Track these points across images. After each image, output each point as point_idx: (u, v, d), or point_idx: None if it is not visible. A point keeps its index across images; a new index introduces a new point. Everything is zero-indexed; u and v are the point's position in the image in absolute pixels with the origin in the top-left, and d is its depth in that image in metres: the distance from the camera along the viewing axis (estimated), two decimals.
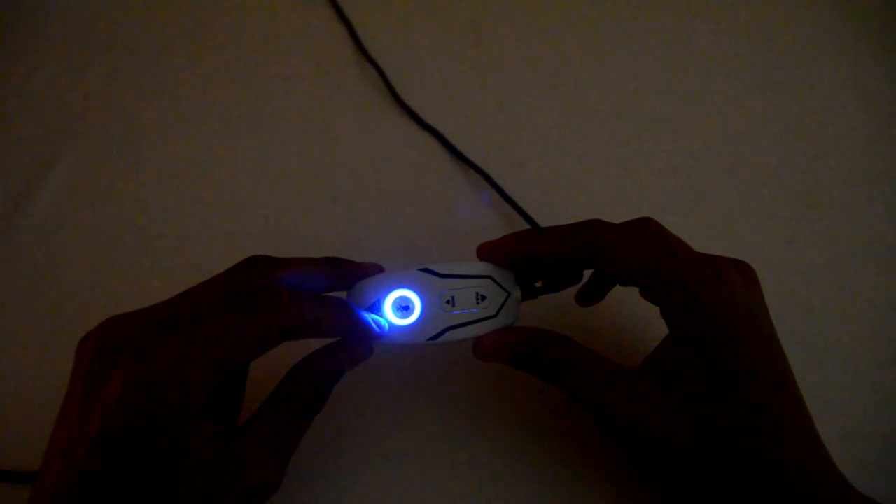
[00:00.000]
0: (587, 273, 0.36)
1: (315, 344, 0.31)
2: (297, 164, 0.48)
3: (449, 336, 0.31)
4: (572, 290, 0.37)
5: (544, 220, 0.43)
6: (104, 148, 0.49)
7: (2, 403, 0.39)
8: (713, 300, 0.28)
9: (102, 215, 0.46)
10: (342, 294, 0.33)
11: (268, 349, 0.28)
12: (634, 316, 0.40)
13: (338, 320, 0.30)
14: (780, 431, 0.27)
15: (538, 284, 0.35)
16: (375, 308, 0.32)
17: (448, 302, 0.32)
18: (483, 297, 0.32)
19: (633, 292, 0.31)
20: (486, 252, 0.33)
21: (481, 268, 0.33)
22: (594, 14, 0.55)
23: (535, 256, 0.32)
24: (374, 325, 0.31)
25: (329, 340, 0.32)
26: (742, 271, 0.31)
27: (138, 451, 0.25)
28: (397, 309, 0.32)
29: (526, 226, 0.44)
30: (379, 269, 0.34)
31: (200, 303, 0.28)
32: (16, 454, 0.37)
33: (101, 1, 0.57)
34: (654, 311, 0.31)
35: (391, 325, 0.32)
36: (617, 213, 0.34)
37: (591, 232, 0.32)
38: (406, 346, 0.32)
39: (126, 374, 0.25)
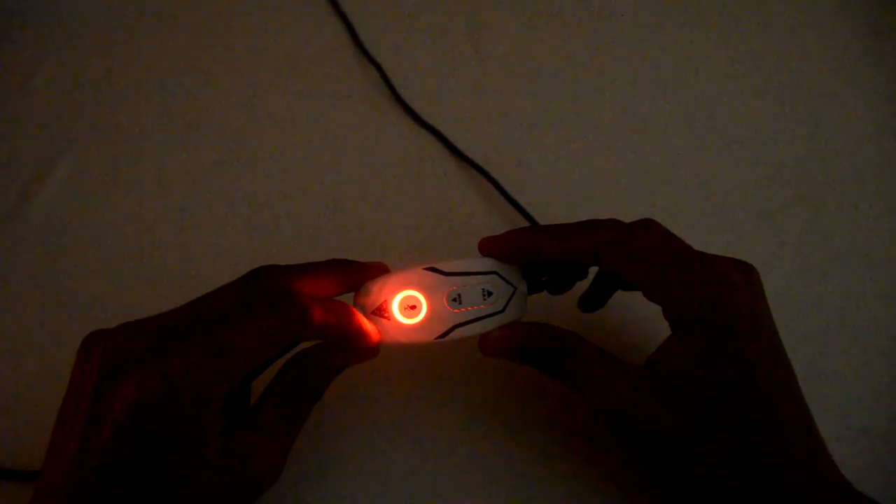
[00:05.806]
0: (592, 270, 0.36)
1: None
2: (298, 164, 0.48)
3: (457, 333, 0.32)
4: (575, 293, 0.37)
5: (543, 220, 0.44)
6: (104, 148, 0.49)
7: (1, 402, 0.39)
8: (715, 302, 0.29)
9: (102, 215, 0.46)
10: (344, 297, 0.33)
11: (281, 355, 0.29)
12: (637, 315, 0.40)
13: (344, 325, 0.31)
14: (781, 431, 0.28)
15: (543, 279, 0.35)
16: (382, 309, 0.32)
17: (455, 299, 0.32)
18: (489, 293, 0.32)
19: (636, 292, 0.32)
20: (488, 246, 0.33)
21: (486, 264, 0.33)
22: (595, 13, 0.55)
23: (538, 253, 0.32)
24: (374, 330, 0.32)
25: None
26: (744, 272, 0.31)
27: (150, 457, 0.25)
28: (404, 309, 0.32)
29: (526, 224, 0.44)
30: (384, 269, 0.34)
31: (212, 310, 0.28)
32: (15, 453, 0.37)
33: (102, 2, 0.56)
34: (657, 310, 0.31)
35: (399, 325, 0.32)
36: (617, 213, 0.34)
37: (595, 231, 0.32)
38: (414, 345, 0.32)
39: (142, 380, 0.25)
